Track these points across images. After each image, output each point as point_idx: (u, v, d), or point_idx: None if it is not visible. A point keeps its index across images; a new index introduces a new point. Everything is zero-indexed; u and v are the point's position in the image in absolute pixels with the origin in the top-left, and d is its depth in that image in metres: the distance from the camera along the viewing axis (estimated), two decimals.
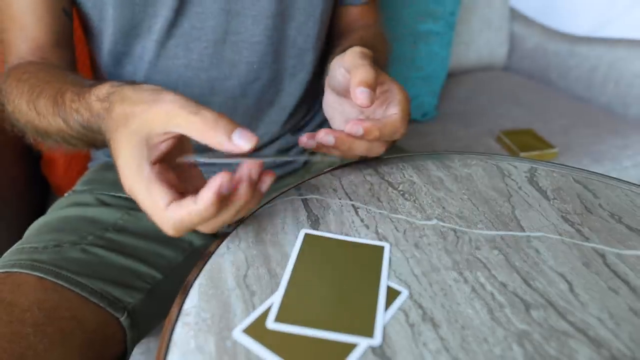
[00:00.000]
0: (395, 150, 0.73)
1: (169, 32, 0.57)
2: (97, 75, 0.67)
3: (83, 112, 0.42)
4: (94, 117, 0.41)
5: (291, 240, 0.39)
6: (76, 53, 0.63)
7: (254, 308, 0.33)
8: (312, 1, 0.62)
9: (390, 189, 0.46)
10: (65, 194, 0.65)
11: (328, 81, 0.50)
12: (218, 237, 0.41)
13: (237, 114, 0.63)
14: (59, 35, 0.57)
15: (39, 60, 0.55)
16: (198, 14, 0.57)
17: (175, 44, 0.58)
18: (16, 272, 0.47)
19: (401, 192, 0.46)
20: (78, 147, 0.50)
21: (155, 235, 0.58)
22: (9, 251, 0.52)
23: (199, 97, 0.61)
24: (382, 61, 0.67)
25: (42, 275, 0.47)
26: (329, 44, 0.70)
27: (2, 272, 0.47)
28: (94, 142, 0.46)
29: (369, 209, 0.43)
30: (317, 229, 0.41)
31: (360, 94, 0.41)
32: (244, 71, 0.61)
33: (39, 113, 0.48)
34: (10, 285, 0.45)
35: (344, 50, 0.48)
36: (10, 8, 0.55)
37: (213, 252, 0.38)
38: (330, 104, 0.50)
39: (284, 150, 0.69)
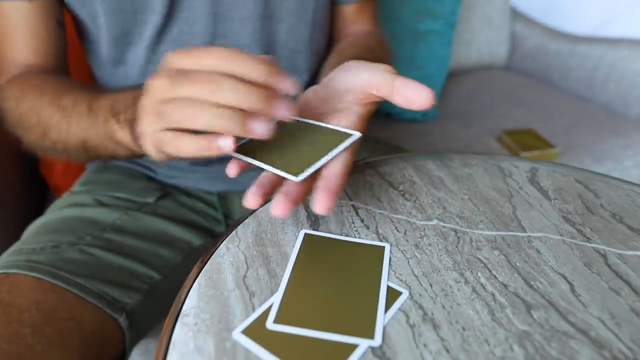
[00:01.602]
0: (395, 150, 0.72)
1: (159, 38, 0.57)
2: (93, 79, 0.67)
3: (121, 94, 0.43)
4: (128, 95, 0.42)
5: (291, 241, 0.39)
6: (77, 56, 0.63)
7: (253, 309, 0.33)
8: (302, 2, 0.61)
9: (390, 189, 0.46)
10: (64, 195, 0.65)
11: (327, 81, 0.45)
12: (215, 236, 0.40)
13: None
14: (54, 48, 0.58)
15: (35, 70, 0.56)
16: (186, 18, 0.57)
17: (165, 50, 0.58)
18: (14, 273, 0.47)
19: (401, 192, 0.45)
20: (79, 152, 0.50)
21: (153, 235, 0.58)
22: (6, 252, 0.52)
23: None
24: None
25: (40, 276, 0.47)
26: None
27: (0, 273, 0.47)
28: (104, 132, 0.45)
29: (369, 209, 0.43)
30: (317, 229, 0.40)
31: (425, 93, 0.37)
32: None
33: (64, 108, 0.48)
34: (8, 286, 0.45)
35: (342, 55, 0.46)
36: (5, 22, 0.55)
37: (212, 253, 0.38)
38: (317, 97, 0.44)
39: None
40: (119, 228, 0.57)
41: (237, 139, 0.35)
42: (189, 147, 0.34)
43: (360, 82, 0.40)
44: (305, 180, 0.35)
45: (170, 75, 0.35)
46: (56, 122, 0.48)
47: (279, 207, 0.34)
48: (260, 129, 0.33)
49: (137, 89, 0.43)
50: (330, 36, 0.71)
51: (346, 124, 0.40)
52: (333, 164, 0.37)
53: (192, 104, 0.33)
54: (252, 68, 0.33)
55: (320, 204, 0.34)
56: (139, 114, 0.37)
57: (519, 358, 0.29)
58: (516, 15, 1.50)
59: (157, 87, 0.35)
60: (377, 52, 0.62)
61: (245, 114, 0.33)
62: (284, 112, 0.34)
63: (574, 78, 1.35)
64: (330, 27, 0.70)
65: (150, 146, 0.37)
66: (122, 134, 0.43)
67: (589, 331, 0.31)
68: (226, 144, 0.34)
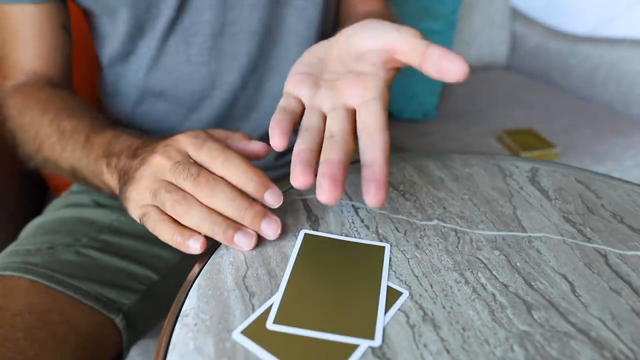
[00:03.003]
0: (395, 150, 0.72)
1: (170, 29, 0.57)
2: (100, 73, 0.67)
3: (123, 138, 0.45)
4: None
5: (291, 241, 0.39)
6: (79, 55, 0.63)
7: (253, 309, 0.33)
8: None
9: (390, 189, 0.46)
10: (62, 194, 0.65)
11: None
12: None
13: (238, 104, 0.63)
14: (59, 53, 0.58)
15: (41, 79, 0.56)
16: (197, 8, 0.57)
17: (176, 40, 0.58)
18: (8, 275, 0.46)
19: (402, 192, 0.45)
20: (68, 175, 0.51)
21: (151, 236, 0.58)
22: (2, 253, 0.52)
23: (201, 91, 0.61)
24: None
25: (34, 278, 0.46)
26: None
27: None
28: (93, 170, 0.47)
29: (369, 209, 0.43)
30: (317, 229, 0.40)
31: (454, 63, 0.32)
32: (244, 62, 0.61)
33: (62, 132, 0.49)
34: (2, 289, 0.45)
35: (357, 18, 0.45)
36: (10, 24, 0.55)
37: (212, 253, 0.38)
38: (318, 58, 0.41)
39: None
40: (117, 229, 0.57)
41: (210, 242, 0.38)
42: (165, 235, 0.37)
43: (386, 44, 0.35)
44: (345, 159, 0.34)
45: (175, 159, 0.37)
46: (52, 143, 0.49)
47: (326, 194, 0.31)
48: (241, 242, 0.36)
49: (136, 136, 0.44)
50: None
51: (373, 91, 0.36)
52: (373, 139, 0.33)
53: (185, 200, 0.36)
54: (248, 181, 0.36)
55: (374, 198, 0.31)
56: (133, 178, 0.39)
57: (520, 358, 0.29)
58: (516, 15, 1.50)
59: (161, 166, 0.37)
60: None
61: (233, 224, 0.36)
62: (270, 233, 0.37)
63: (575, 78, 1.35)
64: (336, 13, 0.70)
65: (133, 212, 0.39)
66: (109, 178, 0.44)
67: (589, 331, 0.31)
68: (196, 248, 0.36)
